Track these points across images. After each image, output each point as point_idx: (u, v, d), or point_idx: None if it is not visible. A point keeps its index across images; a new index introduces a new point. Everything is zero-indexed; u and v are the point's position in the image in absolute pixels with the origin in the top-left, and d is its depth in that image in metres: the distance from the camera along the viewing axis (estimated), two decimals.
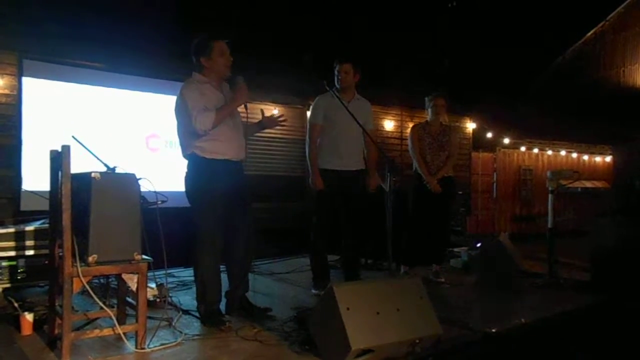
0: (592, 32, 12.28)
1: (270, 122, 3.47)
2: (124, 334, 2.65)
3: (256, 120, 3.48)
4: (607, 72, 11.99)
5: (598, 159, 11.66)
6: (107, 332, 2.65)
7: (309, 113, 4.31)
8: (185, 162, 3.25)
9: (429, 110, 4.58)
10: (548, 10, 11.28)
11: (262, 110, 3.57)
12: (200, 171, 3.14)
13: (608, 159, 11.76)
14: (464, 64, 9.90)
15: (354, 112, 3.65)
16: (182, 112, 3.10)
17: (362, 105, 4.06)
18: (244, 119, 3.38)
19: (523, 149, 10.23)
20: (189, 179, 3.20)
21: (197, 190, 3.14)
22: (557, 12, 11.26)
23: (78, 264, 2.47)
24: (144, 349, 2.63)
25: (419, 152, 4.55)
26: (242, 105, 3.23)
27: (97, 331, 2.66)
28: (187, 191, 3.20)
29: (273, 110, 6.66)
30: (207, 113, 3.03)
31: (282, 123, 3.50)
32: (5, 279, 3.66)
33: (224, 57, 3.18)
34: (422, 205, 4.52)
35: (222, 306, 3.28)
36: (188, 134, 3.14)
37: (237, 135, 3.27)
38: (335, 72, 3.99)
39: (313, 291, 4.02)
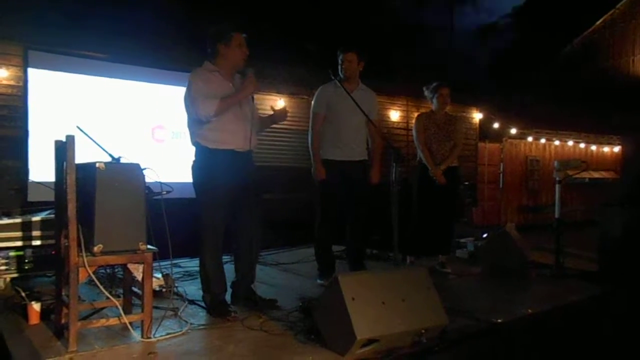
0: (601, 20, 12.12)
1: (280, 115, 3.45)
2: (130, 323, 2.66)
3: (266, 115, 3.47)
4: (616, 61, 11.85)
5: (606, 149, 11.55)
6: (113, 321, 2.66)
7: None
8: (192, 152, 3.24)
9: (434, 100, 4.54)
10: None
11: (272, 107, 3.53)
12: (204, 161, 3.14)
13: (616, 149, 11.64)
14: (471, 54, 9.82)
15: (358, 101, 3.63)
16: (188, 99, 3.11)
17: (366, 95, 4.02)
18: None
19: (530, 139, 10.14)
20: (194, 169, 3.21)
21: (201, 180, 3.14)
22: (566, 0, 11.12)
23: (84, 254, 2.48)
24: (150, 338, 2.65)
25: (424, 141, 4.51)
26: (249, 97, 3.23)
27: (103, 320, 2.67)
28: (193, 181, 3.20)
29: (278, 101, 6.65)
30: (210, 100, 3.03)
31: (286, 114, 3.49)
32: (12, 268, 3.69)
33: (241, 50, 3.20)
34: (427, 195, 4.49)
35: (228, 296, 3.29)
36: (193, 121, 3.15)
37: (244, 126, 3.22)
38: (339, 62, 3.96)
39: (318, 281, 4.02)
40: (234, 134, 3.17)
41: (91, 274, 2.51)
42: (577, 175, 5.14)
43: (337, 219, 4.04)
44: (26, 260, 3.74)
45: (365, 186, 4.04)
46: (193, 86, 3.07)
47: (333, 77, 3.86)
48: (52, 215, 3.54)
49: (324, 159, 3.96)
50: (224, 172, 3.09)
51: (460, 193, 7.00)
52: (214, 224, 3.13)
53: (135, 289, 2.97)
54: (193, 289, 3.66)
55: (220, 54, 3.18)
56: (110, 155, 2.74)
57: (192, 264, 4.33)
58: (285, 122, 6.94)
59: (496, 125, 9.52)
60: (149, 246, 2.67)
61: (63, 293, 2.72)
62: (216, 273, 3.18)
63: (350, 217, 4.05)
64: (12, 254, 3.69)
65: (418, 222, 4.52)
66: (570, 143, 10.75)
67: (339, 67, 3.96)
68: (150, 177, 2.71)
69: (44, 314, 2.92)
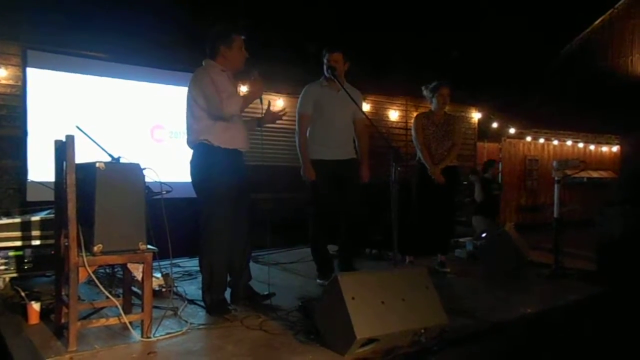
0: (600, 20, 12.12)
1: (272, 116, 3.47)
2: (130, 323, 2.66)
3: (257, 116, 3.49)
4: (615, 61, 11.85)
5: (605, 148, 11.55)
6: (113, 321, 2.66)
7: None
8: (191, 152, 3.23)
9: (434, 99, 4.55)
10: None
11: (269, 102, 3.51)
12: (212, 160, 3.10)
13: (615, 148, 11.65)
14: (470, 53, 9.82)
15: (344, 101, 3.67)
16: (202, 94, 3.06)
17: (352, 94, 4.00)
18: (259, 112, 3.42)
19: (529, 138, 10.15)
20: (199, 168, 3.16)
21: (209, 180, 3.10)
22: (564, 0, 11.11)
23: (84, 254, 2.48)
24: (149, 337, 2.65)
25: (423, 141, 4.52)
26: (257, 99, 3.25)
27: (103, 320, 2.67)
28: (195, 181, 3.17)
29: (277, 102, 6.65)
30: (234, 98, 3.05)
31: (283, 116, 3.51)
32: (12, 268, 3.69)
33: (242, 53, 3.23)
34: (426, 195, 4.50)
35: (227, 296, 3.29)
36: (202, 119, 3.10)
37: (243, 126, 3.30)
38: (325, 61, 3.95)
39: (318, 281, 4.03)
40: (240, 134, 3.21)
41: (91, 274, 2.51)
42: (575, 175, 5.15)
43: (330, 218, 4.03)
44: (26, 260, 3.73)
45: (355, 185, 4.04)
46: (218, 83, 3.03)
47: (333, 78, 3.86)
48: (52, 215, 3.54)
49: (312, 159, 3.95)
50: (230, 171, 3.11)
51: (498, 194, 7.07)
52: (223, 223, 3.12)
53: (135, 289, 2.98)
54: (193, 288, 3.66)
55: (221, 55, 3.18)
56: (110, 155, 2.74)
57: (191, 264, 4.34)
58: (283, 122, 6.93)
59: (495, 125, 9.53)
60: (148, 246, 2.67)
61: (63, 293, 2.72)
62: (221, 272, 3.18)
63: (343, 217, 4.03)
64: (11, 253, 3.69)
65: (417, 221, 4.52)
66: (569, 143, 10.76)
67: (325, 67, 3.95)
68: (149, 177, 2.72)
69: (44, 313, 2.92)
